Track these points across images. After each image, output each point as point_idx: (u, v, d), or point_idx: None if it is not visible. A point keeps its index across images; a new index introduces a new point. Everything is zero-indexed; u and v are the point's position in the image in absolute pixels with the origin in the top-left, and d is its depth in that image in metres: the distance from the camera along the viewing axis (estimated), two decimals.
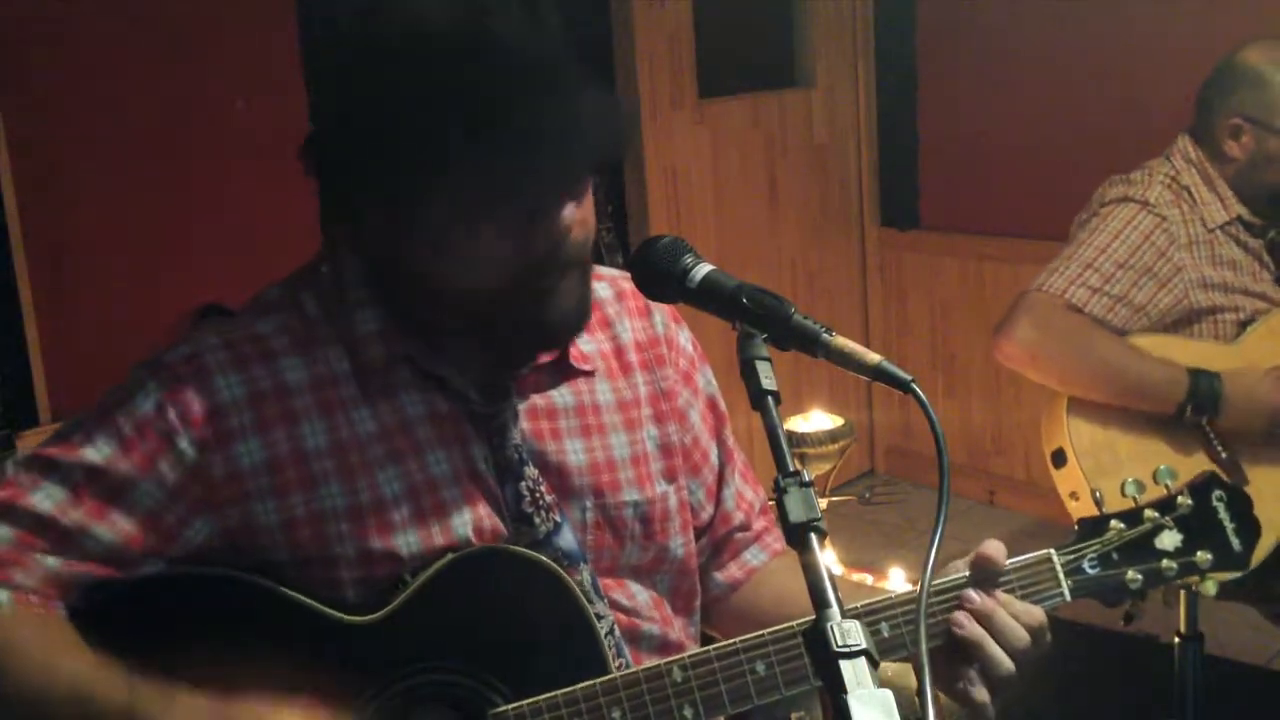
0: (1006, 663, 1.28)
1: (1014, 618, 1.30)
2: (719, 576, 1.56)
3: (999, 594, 1.31)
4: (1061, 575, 1.36)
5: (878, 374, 1.07)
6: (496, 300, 1.25)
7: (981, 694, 1.29)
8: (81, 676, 1.19)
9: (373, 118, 1.20)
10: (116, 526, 1.24)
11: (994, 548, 1.32)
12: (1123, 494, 1.43)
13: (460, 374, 1.34)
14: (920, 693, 0.94)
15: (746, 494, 1.57)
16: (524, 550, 1.32)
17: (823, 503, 2.38)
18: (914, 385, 1.06)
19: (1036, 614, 1.32)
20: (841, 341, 1.10)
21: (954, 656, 1.31)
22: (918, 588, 1.02)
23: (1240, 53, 2.52)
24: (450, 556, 1.29)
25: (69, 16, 2.77)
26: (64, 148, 2.80)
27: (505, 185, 1.18)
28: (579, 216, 1.25)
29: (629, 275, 1.25)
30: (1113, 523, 1.40)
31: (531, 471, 1.37)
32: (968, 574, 1.32)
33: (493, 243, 1.22)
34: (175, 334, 1.33)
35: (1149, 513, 1.41)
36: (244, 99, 3.05)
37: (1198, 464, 2.35)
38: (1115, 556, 1.39)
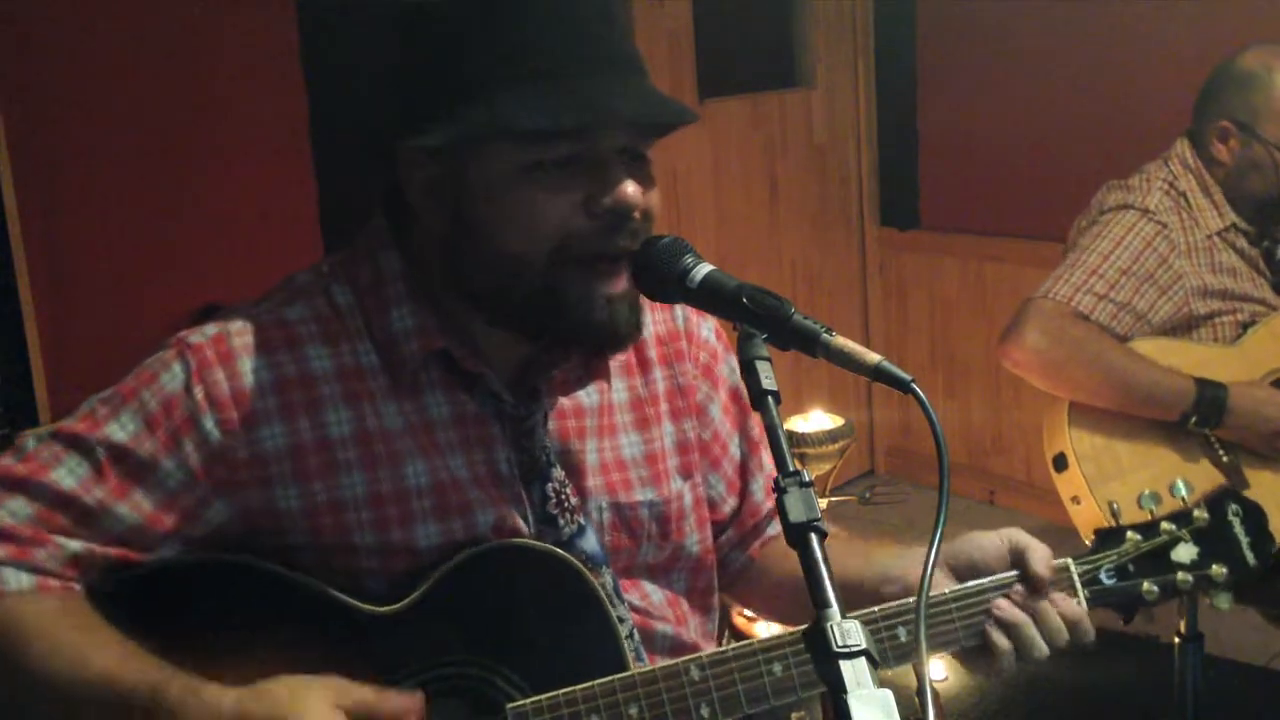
0: (1042, 647, 1.32)
1: (1065, 617, 1.33)
2: (743, 554, 1.57)
3: (1054, 595, 1.34)
4: (1079, 585, 1.38)
5: (877, 374, 1.07)
6: (550, 258, 1.24)
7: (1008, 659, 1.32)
8: (113, 662, 1.19)
9: (431, 72, 1.24)
10: (139, 506, 1.25)
11: (1043, 563, 1.34)
12: (1139, 506, 1.45)
13: (495, 372, 1.34)
14: (920, 693, 0.95)
15: None
16: (544, 545, 1.32)
17: (823, 503, 2.39)
18: (914, 385, 1.06)
19: (1088, 630, 1.35)
20: (841, 341, 1.10)
21: (989, 643, 1.33)
22: (918, 589, 1.03)
23: (1237, 57, 2.51)
24: (471, 550, 1.29)
25: (69, 16, 2.77)
26: (64, 148, 2.80)
27: (567, 117, 1.20)
28: (641, 202, 1.25)
29: None
30: (1129, 534, 1.42)
31: (558, 473, 1.37)
32: (1016, 574, 1.35)
33: (554, 192, 1.22)
34: (175, 334, 1.33)
35: (1165, 525, 1.43)
36: (244, 99, 3.05)
37: (1199, 468, 2.36)
38: (1131, 568, 1.41)
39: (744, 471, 1.55)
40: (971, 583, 1.34)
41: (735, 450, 1.54)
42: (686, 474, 1.47)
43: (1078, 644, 1.33)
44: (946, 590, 1.33)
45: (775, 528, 1.57)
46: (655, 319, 1.48)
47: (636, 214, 1.24)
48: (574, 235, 1.23)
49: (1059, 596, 1.34)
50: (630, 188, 1.23)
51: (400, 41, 1.28)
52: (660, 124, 1.28)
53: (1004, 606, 1.32)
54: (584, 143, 1.22)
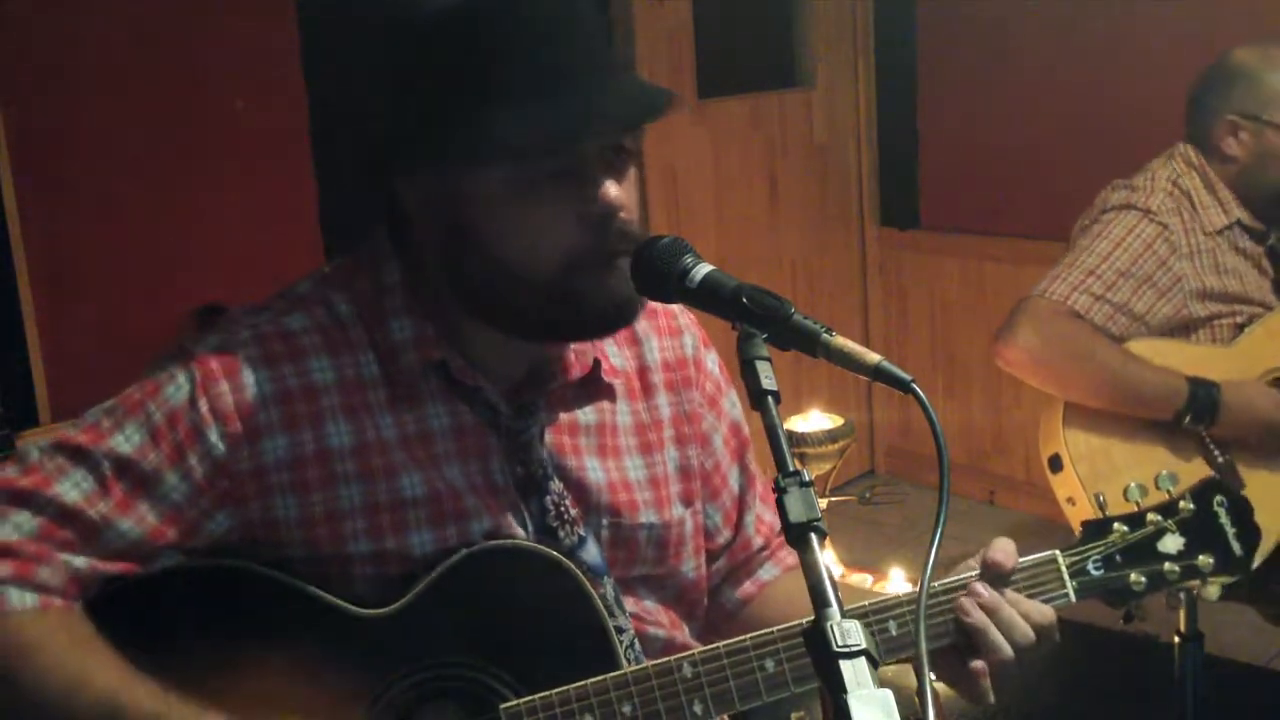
0: (1006, 649, 1.30)
1: (1024, 616, 1.31)
2: (734, 593, 1.56)
3: (1009, 592, 1.33)
4: (1066, 576, 1.38)
5: (878, 374, 1.07)
6: (557, 276, 1.25)
7: (982, 678, 1.30)
8: (113, 686, 1.19)
9: (413, 96, 1.24)
10: (143, 520, 1.25)
11: (1004, 551, 1.33)
12: (1125, 498, 1.44)
13: (493, 385, 1.35)
14: (920, 693, 0.94)
15: (766, 517, 1.57)
16: (536, 545, 1.32)
17: (823, 503, 2.38)
18: (914, 385, 1.06)
19: (1048, 613, 1.33)
20: (841, 341, 1.09)
21: (957, 645, 1.32)
22: (918, 587, 1.03)
23: (1229, 54, 2.53)
24: (464, 551, 1.30)
25: (69, 16, 2.77)
26: (64, 148, 2.80)
27: (546, 135, 1.20)
28: (624, 200, 1.26)
29: None
30: (1116, 525, 1.42)
31: (556, 485, 1.37)
32: (978, 571, 1.34)
33: (546, 208, 1.23)
34: (175, 334, 1.33)
35: (1151, 516, 1.43)
36: (244, 99, 3.05)
37: (1194, 468, 2.35)
38: (1119, 559, 1.40)
39: (740, 505, 1.56)
40: (937, 583, 1.33)
41: (734, 483, 1.55)
42: (688, 501, 1.47)
43: (1044, 639, 1.32)
44: (904, 593, 1.33)
45: (768, 571, 1.57)
46: (662, 345, 1.49)
47: (623, 213, 1.25)
48: (575, 248, 1.24)
49: (1015, 595, 1.33)
50: (613, 190, 1.24)
51: (388, 59, 1.29)
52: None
53: (964, 605, 1.31)
54: (570, 153, 1.23)
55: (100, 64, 2.84)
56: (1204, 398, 2.32)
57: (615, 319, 1.31)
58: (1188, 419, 2.33)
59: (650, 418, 1.46)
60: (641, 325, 1.48)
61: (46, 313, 2.76)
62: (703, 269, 1.18)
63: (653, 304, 1.47)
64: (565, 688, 1.24)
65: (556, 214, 1.23)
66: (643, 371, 1.47)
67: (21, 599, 1.21)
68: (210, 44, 2.99)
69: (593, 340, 1.38)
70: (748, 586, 1.56)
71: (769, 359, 1.10)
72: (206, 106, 3.00)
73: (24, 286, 2.71)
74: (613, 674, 1.26)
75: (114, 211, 2.88)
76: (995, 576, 1.32)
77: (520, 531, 1.34)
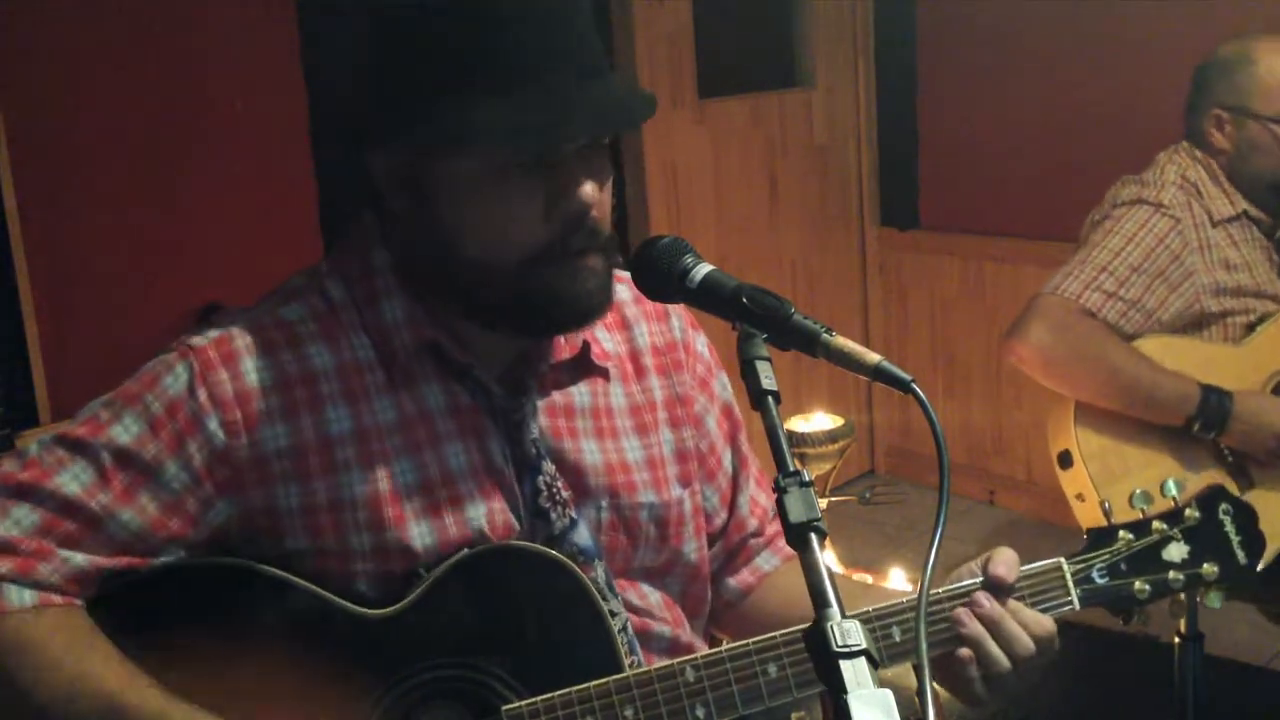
0: (1003, 661, 1.30)
1: (1023, 626, 1.31)
2: (732, 582, 1.56)
3: (1010, 602, 1.33)
4: (1071, 584, 1.38)
5: (877, 374, 1.07)
6: (519, 268, 1.26)
7: (979, 689, 1.31)
8: (114, 687, 1.19)
9: (397, 73, 1.26)
10: (143, 510, 1.25)
11: (1005, 564, 1.33)
12: (1131, 505, 1.45)
13: (484, 366, 1.35)
14: (920, 693, 0.94)
15: (761, 499, 1.58)
16: (540, 547, 1.32)
17: (823, 503, 2.38)
18: (914, 385, 1.06)
19: (1047, 624, 1.33)
20: (841, 341, 1.10)
21: (954, 652, 1.32)
22: (918, 589, 1.03)
23: (1214, 52, 2.56)
24: (465, 552, 1.30)
25: (69, 16, 2.77)
26: (64, 148, 2.80)
27: (528, 127, 1.21)
28: (598, 198, 1.27)
29: None
30: (1121, 533, 1.42)
31: (549, 467, 1.37)
32: (981, 579, 1.34)
33: (518, 199, 1.24)
34: (176, 333, 1.33)
35: (1157, 524, 1.43)
36: (244, 99, 3.05)
37: (1205, 470, 2.35)
38: (1123, 567, 1.41)
39: (734, 486, 1.56)
40: (940, 589, 1.34)
41: (728, 464, 1.55)
42: (685, 482, 1.48)
43: (1044, 650, 1.32)
44: (908, 597, 1.33)
45: (768, 561, 1.57)
46: (651, 329, 1.49)
47: (594, 212, 1.26)
48: (538, 244, 1.25)
49: (1015, 604, 1.33)
50: (588, 188, 1.25)
51: (370, 43, 1.30)
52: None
53: (960, 616, 1.31)
54: (551, 147, 1.24)
55: (100, 64, 2.83)
56: (1215, 406, 2.31)
57: (578, 316, 1.31)
58: (1197, 426, 2.32)
59: (644, 400, 1.47)
60: (632, 310, 1.49)
61: (46, 313, 2.76)
62: (703, 269, 1.18)
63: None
64: (568, 690, 1.25)
65: (526, 206, 1.24)
66: (634, 355, 1.48)
67: (20, 597, 1.21)
68: (210, 44, 2.99)
69: (556, 335, 1.39)
70: (745, 576, 1.56)
71: (769, 359, 1.10)
72: (206, 106, 3.00)
73: (24, 286, 2.71)
74: (615, 677, 1.26)
75: (114, 211, 2.88)
76: (997, 590, 1.33)
77: (513, 517, 1.34)
